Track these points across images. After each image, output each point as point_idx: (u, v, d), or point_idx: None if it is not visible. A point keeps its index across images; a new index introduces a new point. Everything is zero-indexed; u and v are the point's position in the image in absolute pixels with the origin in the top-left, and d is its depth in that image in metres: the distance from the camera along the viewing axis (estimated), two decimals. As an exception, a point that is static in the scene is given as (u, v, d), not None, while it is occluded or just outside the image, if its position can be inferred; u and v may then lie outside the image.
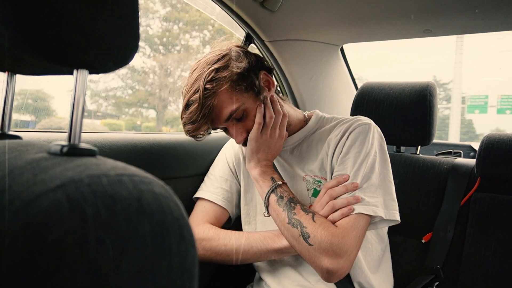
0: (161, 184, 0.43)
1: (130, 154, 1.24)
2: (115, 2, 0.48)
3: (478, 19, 1.37)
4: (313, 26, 1.54)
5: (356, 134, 1.12)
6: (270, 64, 1.24)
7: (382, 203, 1.06)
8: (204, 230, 1.24)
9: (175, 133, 1.45)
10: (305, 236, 1.00)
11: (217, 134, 1.58)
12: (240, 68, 1.09)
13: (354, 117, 1.20)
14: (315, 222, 1.02)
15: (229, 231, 1.23)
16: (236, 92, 1.09)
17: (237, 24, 1.41)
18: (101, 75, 0.53)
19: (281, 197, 1.07)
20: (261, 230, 1.24)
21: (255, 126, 1.13)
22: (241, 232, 1.23)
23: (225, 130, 1.18)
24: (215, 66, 1.09)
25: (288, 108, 1.24)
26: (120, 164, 0.44)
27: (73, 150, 0.47)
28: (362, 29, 1.60)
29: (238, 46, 1.17)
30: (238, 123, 1.13)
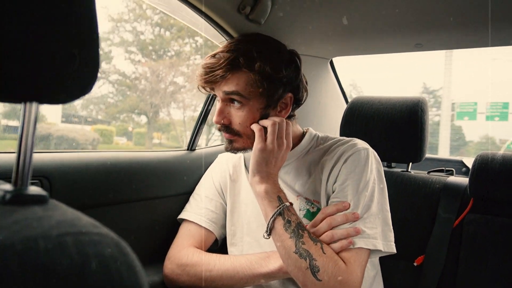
0: (115, 241, 0.37)
1: (109, 174, 1.18)
2: (66, 30, 0.43)
3: (470, 35, 1.34)
4: (301, 40, 1.50)
5: (355, 160, 1.07)
6: (305, 92, 1.18)
7: (381, 234, 1.03)
8: (188, 255, 1.18)
9: (156, 151, 1.40)
10: (314, 270, 0.94)
11: (201, 150, 1.53)
12: (276, 77, 1.07)
13: (350, 139, 1.15)
14: (325, 254, 0.96)
15: (214, 255, 1.17)
16: (253, 85, 1.05)
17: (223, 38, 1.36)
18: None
19: (289, 221, 1.00)
20: (248, 253, 1.19)
21: (257, 134, 1.07)
22: (226, 256, 1.18)
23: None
24: (267, 51, 1.08)
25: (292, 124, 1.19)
26: (70, 216, 0.38)
27: (17, 198, 0.41)
28: (352, 42, 1.56)
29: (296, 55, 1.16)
30: (228, 106, 1.09)
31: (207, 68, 1.06)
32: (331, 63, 1.86)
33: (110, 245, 0.36)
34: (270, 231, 1.02)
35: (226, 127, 1.10)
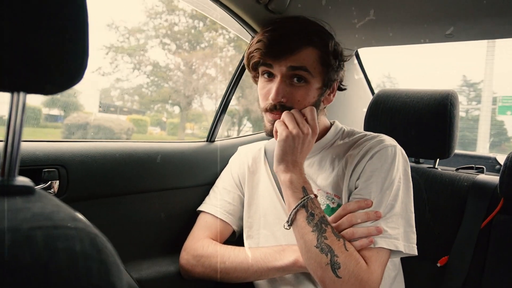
0: (91, 237, 0.36)
1: (125, 164, 1.19)
2: (54, 20, 0.42)
3: (506, 24, 1.25)
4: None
5: (381, 157, 1.03)
6: (345, 86, 1.19)
7: (403, 235, 0.99)
8: (204, 246, 1.19)
9: (173, 141, 1.40)
10: (335, 267, 0.92)
11: (220, 142, 1.52)
12: (343, 57, 1.10)
13: (377, 135, 1.11)
14: (347, 251, 0.94)
15: (229, 247, 1.17)
16: (322, 62, 1.05)
17: (243, 28, 1.33)
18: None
19: (312, 214, 0.97)
20: (264, 246, 1.18)
21: (277, 124, 1.04)
22: (241, 248, 1.17)
23: (264, 84, 1.09)
24: (330, 32, 1.10)
25: (321, 116, 1.17)
26: (49, 209, 0.37)
27: (2, 189, 0.40)
28: (379, 33, 1.49)
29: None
30: (286, 84, 1.04)
31: (273, 41, 1.02)
32: (357, 54, 1.80)
33: (83, 240, 0.35)
34: (291, 222, 0.99)
35: (282, 106, 1.05)
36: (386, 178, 1.01)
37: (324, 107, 1.16)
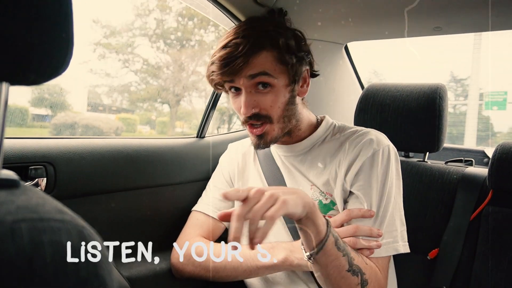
0: (78, 229, 0.35)
1: (114, 161, 1.17)
2: (36, 8, 0.40)
3: (493, 16, 1.26)
4: (313, 23, 1.44)
5: (376, 161, 1.04)
6: (317, 71, 1.17)
7: (400, 235, 1.02)
8: (194, 245, 1.17)
9: (163, 138, 1.38)
10: (364, 284, 0.91)
11: (210, 138, 1.51)
12: (301, 50, 1.06)
13: (368, 131, 1.10)
14: (367, 264, 0.95)
15: (219, 246, 1.16)
16: (279, 62, 1.02)
17: (232, 22, 1.32)
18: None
19: (337, 238, 0.88)
20: None
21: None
22: None
23: (235, 97, 1.08)
24: (282, 28, 1.06)
25: (303, 109, 1.16)
26: (34, 202, 0.36)
27: None
28: (367, 26, 1.49)
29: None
30: (252, 94, 1.03)
31: (225, 59, 1.00)
32: (346, 49, 1.80)
33: (70, 232, 0.34)
34: (317, 253, 0.86)
35: (256, 115, 1.04)
36: (384, 183, 1.03)
37: (302, 99, 1.15)
